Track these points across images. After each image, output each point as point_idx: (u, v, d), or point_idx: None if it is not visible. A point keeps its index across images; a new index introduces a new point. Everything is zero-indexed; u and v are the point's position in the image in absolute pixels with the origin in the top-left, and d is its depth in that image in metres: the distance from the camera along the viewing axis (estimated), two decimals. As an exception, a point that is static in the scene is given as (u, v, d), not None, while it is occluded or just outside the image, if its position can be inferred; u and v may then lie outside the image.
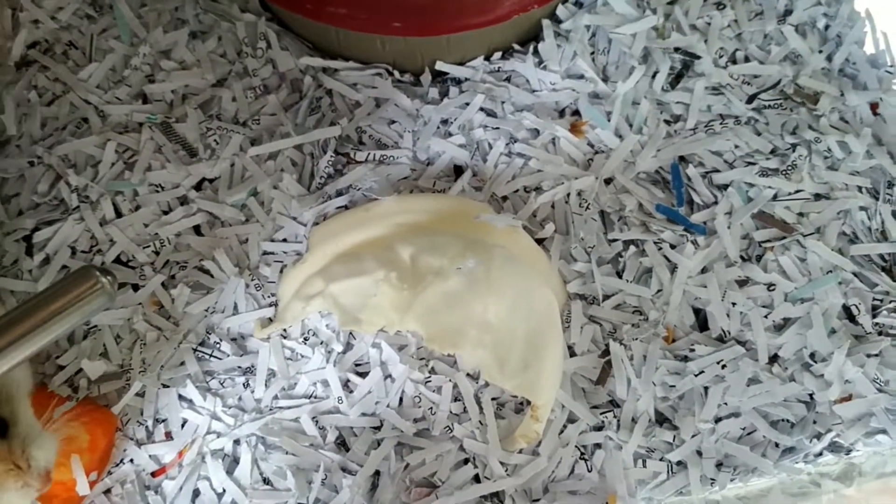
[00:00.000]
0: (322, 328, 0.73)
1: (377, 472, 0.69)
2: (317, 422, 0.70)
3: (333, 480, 0.68)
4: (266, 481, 0.69)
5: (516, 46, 0.83)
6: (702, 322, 0.74)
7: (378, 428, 0.70)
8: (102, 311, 0.71)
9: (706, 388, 0.71)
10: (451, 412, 0.71)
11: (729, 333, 0.72)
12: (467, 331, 0.69)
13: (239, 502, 0.68)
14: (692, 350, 0.71)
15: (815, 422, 0.69)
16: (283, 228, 0.77)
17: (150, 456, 0.70)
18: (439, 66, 0.82)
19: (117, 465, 0.70)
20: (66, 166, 0.78)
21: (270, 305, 0.74)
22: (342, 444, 0.70)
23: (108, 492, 0.69)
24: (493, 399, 0.71)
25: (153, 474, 0.70)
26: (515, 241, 0.73)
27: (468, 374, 0.71)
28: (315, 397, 0.71)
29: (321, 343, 0.73)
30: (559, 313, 0.71)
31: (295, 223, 0.77)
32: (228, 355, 0.72)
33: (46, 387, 0.71)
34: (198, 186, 0.79)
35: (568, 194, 0.77)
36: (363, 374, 0.71)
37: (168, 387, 0.71)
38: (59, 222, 0.76)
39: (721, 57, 0.82)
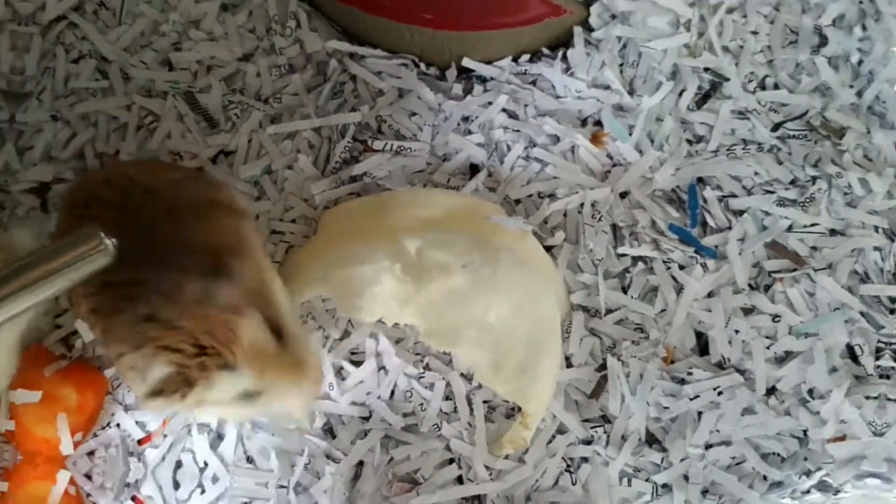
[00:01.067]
0: (321, 312, 0.73)
1: (361, 463, 0.69)
2: (313, 413, 0.70)
3: (316, 466, 0.68)
4: (249, 460, 0.69)
5: (545, 50, 0.82)
6: (703, 346, 0.73)
7: (366, 418, 0.70)
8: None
9: (700, 413, 0.70)
10: (441, 410, 0.71)
11: (729, 360, 0.72)
12: (466, 330, 0.69)
13: (220, 477, 0.68)
14: (690, 373, 0.71)
15: (806, 458, 0.69)
16: (294, 209, 0.77)
17: (136, 422, 0.70)
18: (466, 62, 0.81)
19: (104, 428, 0.70)
20: (86, 125, 0.78)
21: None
22: (329, 431, 0.70)
23: (91, 454, 0.69)
24: (484, 402, 0.71)
25: (139, 442, 0.70)
26: (524, 245, 0.73)
27: (462, 374, 0.71)
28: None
29: (319, 328, 0.72)
30: (560, 323, 0.71)
31: (305, 205, 0.77)
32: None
33: (42, 343, 0.71)
34: (214, 159, 0.79)
35: (581, 204, 0.76)
36: (357, 363, 0.71)
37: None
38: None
39: (750, 81, 0.81)
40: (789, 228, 0.76)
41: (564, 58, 0.81)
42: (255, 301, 0.55)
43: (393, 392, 0.71)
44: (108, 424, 0.70)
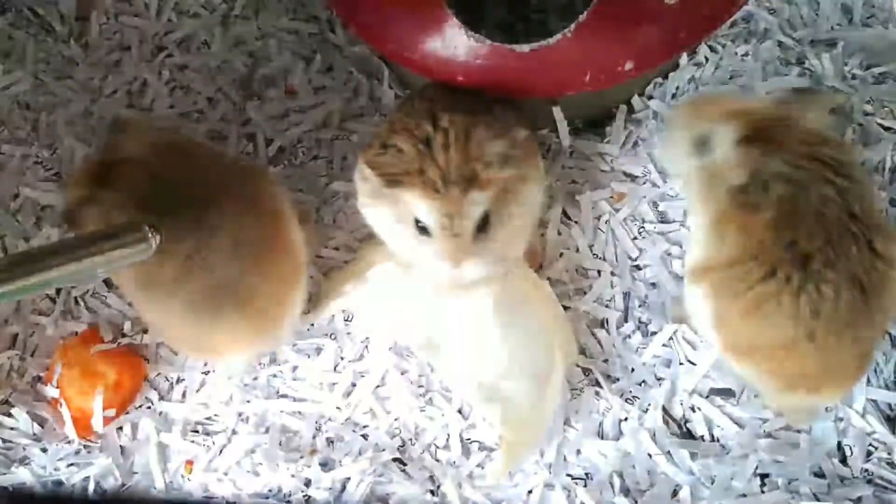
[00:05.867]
0: (342, 333, 0.79)
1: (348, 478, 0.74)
2: (318, 425, 0.77)
3: (313, 470, 0.74)
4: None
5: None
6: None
7: (365, 437, 0.76)
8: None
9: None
10: (435, 444, 0.75)
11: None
12: (462, 349, 0.73)
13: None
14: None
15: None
16: (335, 239, 0.84)
17: (162, 413, 0.78)
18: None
19: (137, 407, 0.79)
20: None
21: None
22: (330, 443, 0.76)
23: (120, 429, 0.78)
24: (477, 442, 0.75)
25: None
26: (538, 290, 0.77)
27: (459, 411, 0.76)
28: (315, 400, 0.78)
29: (338, 347, 0.79)
30: (562, 367, 0.73)
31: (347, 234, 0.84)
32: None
33: (96, 326, 0.81)
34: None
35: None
36: (364, 387, 0.77)
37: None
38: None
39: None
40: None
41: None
42: None
43: (392, 419, 0.76)
44: (139, 406, 0.79)
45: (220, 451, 0.76)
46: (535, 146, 0.75)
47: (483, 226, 0.66)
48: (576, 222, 0.83)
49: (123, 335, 0.81)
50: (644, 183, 0.84)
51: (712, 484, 0.71)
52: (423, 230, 0.66)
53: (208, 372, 0.79)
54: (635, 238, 0.82)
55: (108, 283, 0.83)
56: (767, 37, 0.89)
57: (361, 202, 0.72)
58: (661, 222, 0.82)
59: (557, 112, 0.83)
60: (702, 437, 0.74)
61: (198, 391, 0.79)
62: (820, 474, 0.72)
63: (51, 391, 0.78)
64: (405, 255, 0.72)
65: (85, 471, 0.75)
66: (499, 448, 0.73)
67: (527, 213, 0.71)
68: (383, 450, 0.75)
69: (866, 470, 0.71)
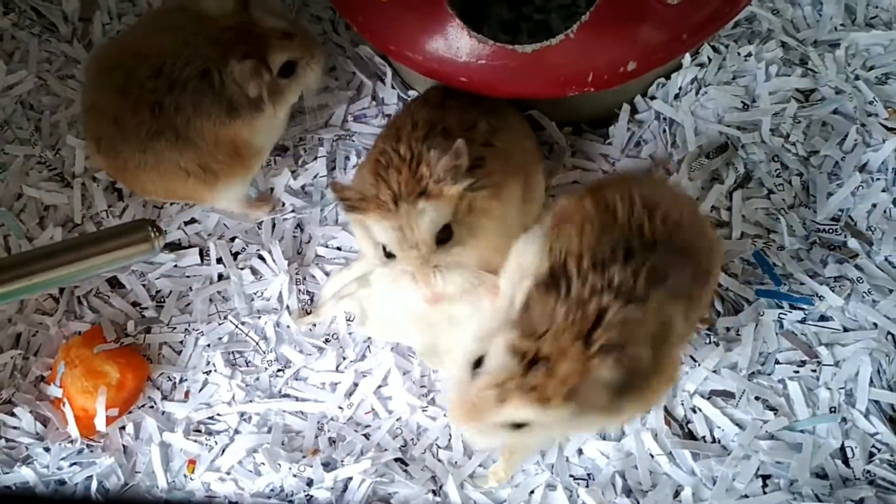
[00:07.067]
0: (344, 334, 0.80)
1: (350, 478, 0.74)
2: (320, 425, 0.77)
3: (315, 470, 0.74)
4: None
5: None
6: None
7: (367, 437, 0.76)
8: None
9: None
10: (436, 444, 0.75)
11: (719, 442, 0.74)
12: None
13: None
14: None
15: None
16: (337, 238, 0.84)
17: (164, 413, 0.78)
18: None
19: (140, 407, 0.79)
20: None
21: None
22: (333, 442, 0.76)
23: (122, 428, 0.78)
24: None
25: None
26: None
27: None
28: (317, 400, 0.78)
29: (340, 347, 0.79)
30: None
31: (349, 235, 0.84)
32: (263, 338, 0.80)
33: (100, 326, 0.81)
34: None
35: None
36: (366, 387, 0.77)
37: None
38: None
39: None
40: (803, 320, 0.77)
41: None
42: None
43: (395, 419, 0.76)
44: (142, 405, 0.79)
45: (223, 451, 0.76)
46: (523, 161, 0.74)
47: (445, 238, 0.66)
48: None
49: (126, 335, 0.81)
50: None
51: (714, 485, 0.71)
52: (389, 255, 0.67)
53: (210, 371, 0.79)
54: (636, 238, 0.82)
55: (111, 283, 0.84)
56: (770, 37, 0.89)
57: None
58: (664, 223, 0.82)
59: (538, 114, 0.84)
60: (703, 437, 0.74)
61: (200, 391, 0.79)
62: (822, 475, 0.72)
63: (54, 390, 0.78)
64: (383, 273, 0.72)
65: (88, 470, 0.76)
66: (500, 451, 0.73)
67: (501, 227, 0.70)
68: (385, 450, 0.75)
69: (868, 471, 0.71)
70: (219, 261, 0.84)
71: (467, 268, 0.69)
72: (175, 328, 0.81)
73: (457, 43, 0.73)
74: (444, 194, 0.65)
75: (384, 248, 0.67)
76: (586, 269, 0.57)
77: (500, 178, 0.69)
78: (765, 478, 0.72)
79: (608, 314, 0.55)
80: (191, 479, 0.75)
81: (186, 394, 0.79)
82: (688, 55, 0.85)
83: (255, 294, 0.83)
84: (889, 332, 0.76)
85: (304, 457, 0.75)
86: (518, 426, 0.56)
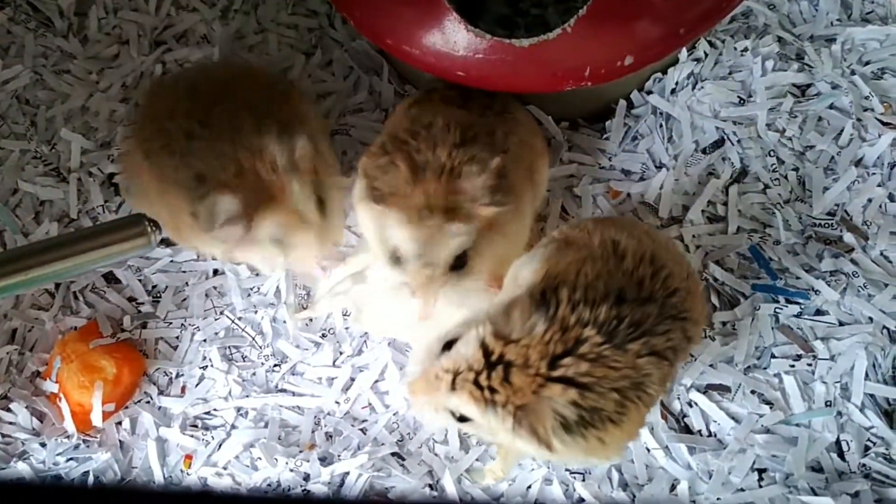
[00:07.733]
0: (340, 329, 0.80)
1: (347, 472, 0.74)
2: (317, 420, 0.77)
3: (312, 465, 0.74)
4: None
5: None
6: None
7: (364, 431, 0.76)
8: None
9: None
10: (433, 439, 0.75)
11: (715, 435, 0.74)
12: None
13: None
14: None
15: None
16: (334, 234, 0.84)
17: (161, 408, 0.78)
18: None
19: (136, 402, 0.79)
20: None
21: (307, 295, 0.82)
22: (329, 437, 0.76)
23: (119, 424, 0.78)
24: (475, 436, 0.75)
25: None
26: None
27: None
28: (314, 394, 0.78)
29: (336, 342, 0.79)
30: None
31: (348, 231, 0.84)
32: (259, 333, 0.80)
33: (96, 321, 0.81)
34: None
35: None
36: (363, 381, 0.77)
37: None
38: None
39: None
40: (799, 314, 0.78)
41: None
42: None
43: (391, 413, 0.76)
44: (138, 400, 0.79)
45: (219, 446, 0.76)
46: (530, 161, 0.73)
47: (458, 265, 0.65)
48: (574, 217, 0.83)
49: (122, 330, 0.81)
50: (641, 179, 0.84)
51: (710, 478, 0.72)
52: (395, 260, 0.65)
53: (207, 366, 0.79)
54: (633, 233, 0.82)
55: (107, 278, 0.83)
56: (767, 32, 0.89)
57: (356, 197, 0.71)
58: (658, 217, 0.82)
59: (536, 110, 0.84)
60: (699, 431, 0.74)
61: (197, 386, 0.79)
62: (818, 469, 0.72)
63: (50, 386, 0.78)
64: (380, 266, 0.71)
65: (84, 465, 0.76)
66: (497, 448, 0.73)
67: (512, 244, 0.70)
68: (382, 444, 0.75)
69: (864, 465, 0.72)
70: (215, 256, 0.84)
71: (462, 289, 0.68)
72: (171, 323, 0.81)
73: (454, 37, 0.73)
74: (476, 215, 0.63)
75: (393, 252, 0.65)
76: (577, 300, 0.57)
77: (519, 187, 0.69)
78: (761, 471, 0.72)
79: (584, 346, 0.55)
80: (187, 474, 0.75)
81: (183, 389, 0.79)
82: (684, 50, 0.85)
83: (251, 289, 0.83)
84: (884, 327, 0.76)
85: (300, 451, 0.75)
86: (463, 419, 0.56)
